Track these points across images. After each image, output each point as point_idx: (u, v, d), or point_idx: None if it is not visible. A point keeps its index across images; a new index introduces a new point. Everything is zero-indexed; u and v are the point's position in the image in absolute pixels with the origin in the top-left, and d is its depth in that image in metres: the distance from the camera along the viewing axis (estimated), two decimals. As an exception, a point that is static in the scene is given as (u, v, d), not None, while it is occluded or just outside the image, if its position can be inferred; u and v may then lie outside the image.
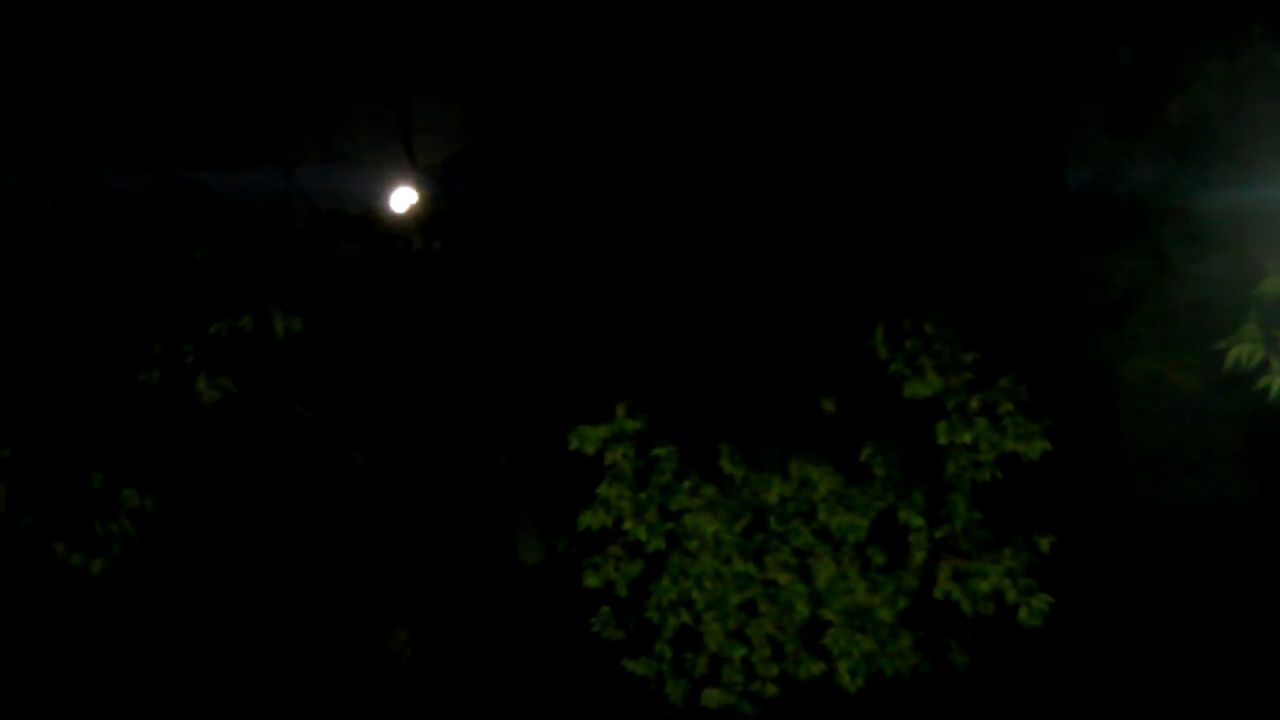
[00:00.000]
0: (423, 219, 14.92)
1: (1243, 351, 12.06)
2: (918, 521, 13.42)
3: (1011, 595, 13.29)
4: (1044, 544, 13.40)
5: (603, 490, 13.58)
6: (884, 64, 14.75)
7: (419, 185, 15.00)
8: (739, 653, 13.61)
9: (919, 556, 13.44)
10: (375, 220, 14.96)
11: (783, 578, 13.42)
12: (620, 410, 13.63)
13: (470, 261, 14.84)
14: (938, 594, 13.41)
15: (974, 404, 13.43)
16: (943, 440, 13.43)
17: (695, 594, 13.54)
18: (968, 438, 13.40)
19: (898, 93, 14.77)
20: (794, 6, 14.66)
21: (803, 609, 13.47)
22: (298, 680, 14.48)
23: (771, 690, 13.59)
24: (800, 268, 14.39)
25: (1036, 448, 13.39)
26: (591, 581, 13.66)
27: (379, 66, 14.96)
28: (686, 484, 13.54)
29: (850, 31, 14.71)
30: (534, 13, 14.90)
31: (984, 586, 13.32)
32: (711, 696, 13.66)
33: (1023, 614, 13.29)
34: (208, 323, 13.60)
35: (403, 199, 15.02)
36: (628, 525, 13.53)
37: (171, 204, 14.05)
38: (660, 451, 13.61)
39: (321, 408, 14.40)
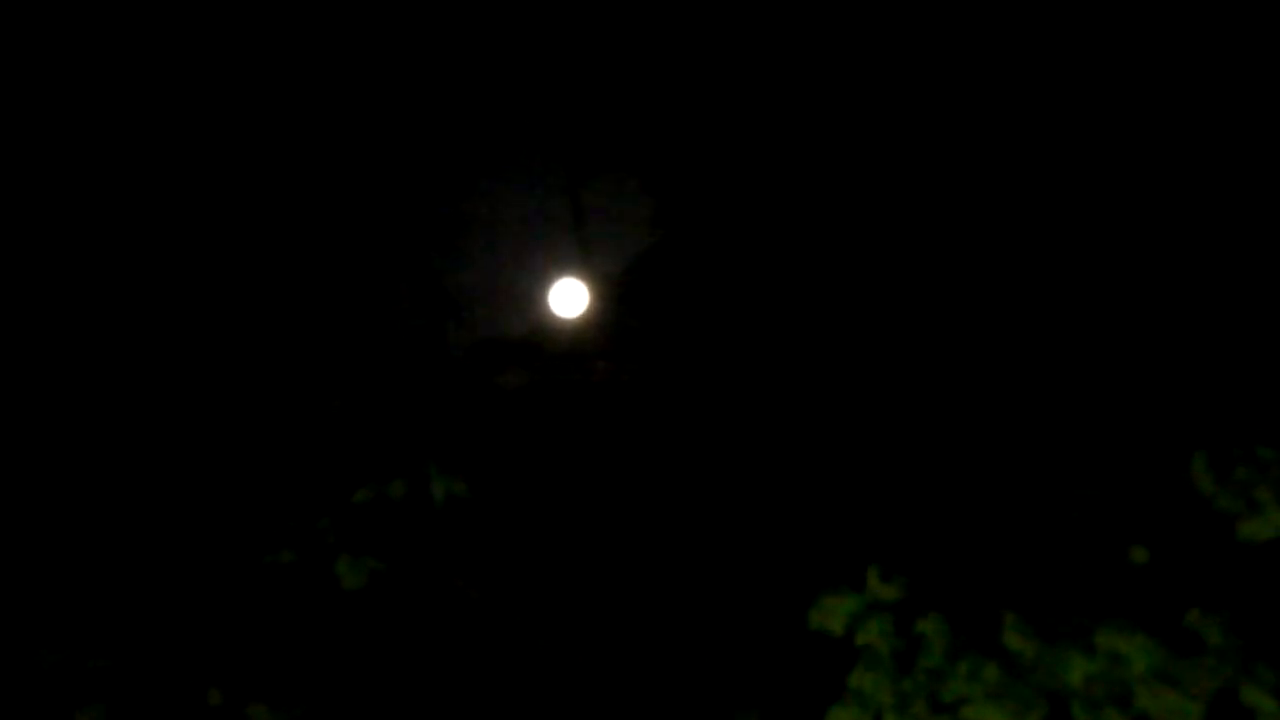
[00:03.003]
0: (602, 340, 12.86)
1: None
2: (1268, 704, 11.41)
3: (1383, 788, 11.54)
4: None
5: (855, 680, 11.89)
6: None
7: (595, 295, 12.96)
8: None
9: (1268, 745, 11.65)
10: (543, 345, 12.88)
11: (1093, 781, 11.67)
12: (872, 575, 12.00)
13: (666, 391, 12.75)
14: (1292, 790, 11.60)
15: (1329, 545, 11.76)
16: (1292, 595, 11.74)
17: (981, 806, 11.86)
18: (1324, 589, 11.73)
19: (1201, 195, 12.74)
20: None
21: (1121, 819, 11.67)
22: None
23: None
24: (1091, 385, 12.29)
25: None
26: (847, 796, 12.00)
27: (546, 151, 13.03)
28: (962, 666, 11.76)
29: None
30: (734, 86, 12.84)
31: (1349, 779, 11.61)
32: None
33: (1396, 810, 11.55)
34: (350, 490, 12.01)
35: (572, 305, 13.02)
36: (890, 723, 12.03)
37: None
38: (926, 626, 11.87)
39: (487, 583, 12.39)
